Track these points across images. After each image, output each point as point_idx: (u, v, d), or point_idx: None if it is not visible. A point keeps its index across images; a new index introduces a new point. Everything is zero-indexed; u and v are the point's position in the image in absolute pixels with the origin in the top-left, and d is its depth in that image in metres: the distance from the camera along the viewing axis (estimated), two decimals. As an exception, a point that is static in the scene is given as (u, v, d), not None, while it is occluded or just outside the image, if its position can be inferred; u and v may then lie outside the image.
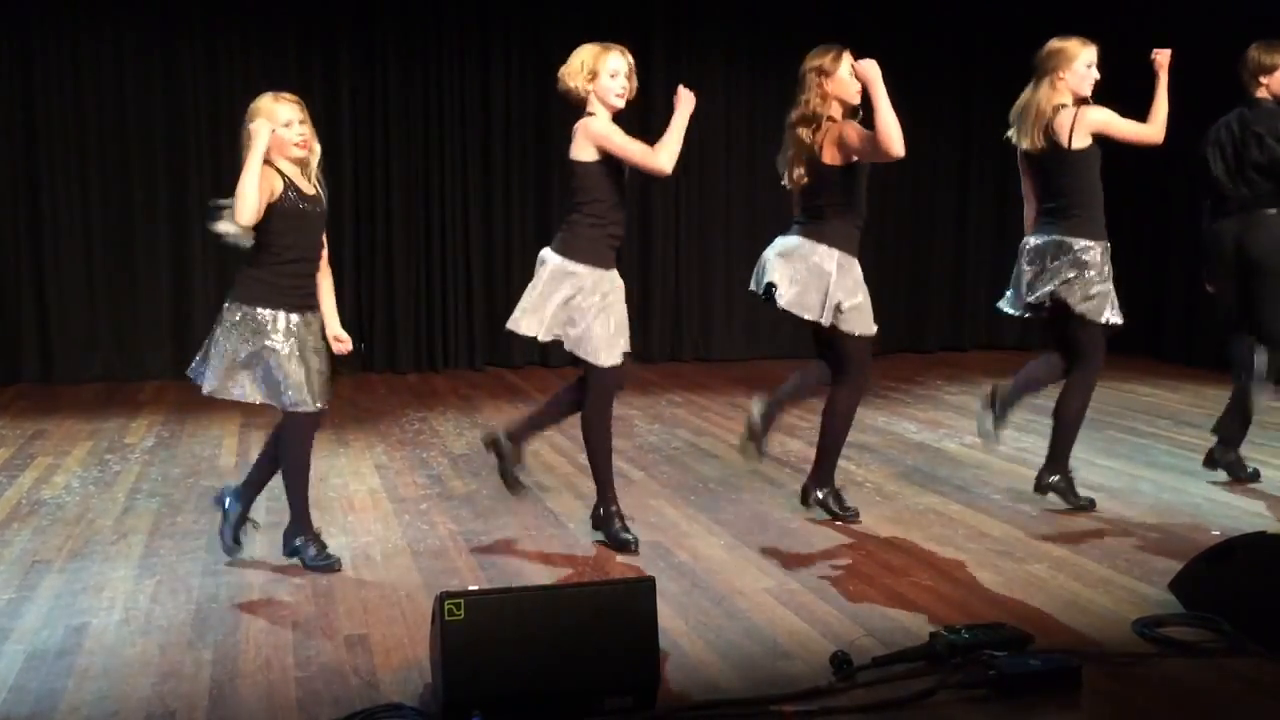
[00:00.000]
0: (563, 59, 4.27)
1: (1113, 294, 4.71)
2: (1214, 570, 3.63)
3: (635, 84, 4.20)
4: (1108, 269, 4.70)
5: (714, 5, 9.30)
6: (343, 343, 4.16)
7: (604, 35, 3.96)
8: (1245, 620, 3.42)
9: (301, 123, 3.97)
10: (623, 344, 4.28)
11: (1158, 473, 5.59)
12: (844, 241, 4.51)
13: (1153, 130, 4.71)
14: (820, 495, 4.78)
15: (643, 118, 9.81)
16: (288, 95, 4.00)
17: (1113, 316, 4.70)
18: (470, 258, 9.04)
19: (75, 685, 3.18)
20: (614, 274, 4.30)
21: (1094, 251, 4.67)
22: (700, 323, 9.57)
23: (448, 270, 8.98)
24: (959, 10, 9.60)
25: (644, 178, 4.48)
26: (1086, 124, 4.63)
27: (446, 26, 8.84)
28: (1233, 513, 4.85)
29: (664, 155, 4.15)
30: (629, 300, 4.38)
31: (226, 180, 8.48)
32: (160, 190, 8.49)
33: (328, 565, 4.13)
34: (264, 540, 4.52)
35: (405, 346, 8.96)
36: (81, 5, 8.27)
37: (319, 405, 4.03)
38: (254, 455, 6.06)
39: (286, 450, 4.10)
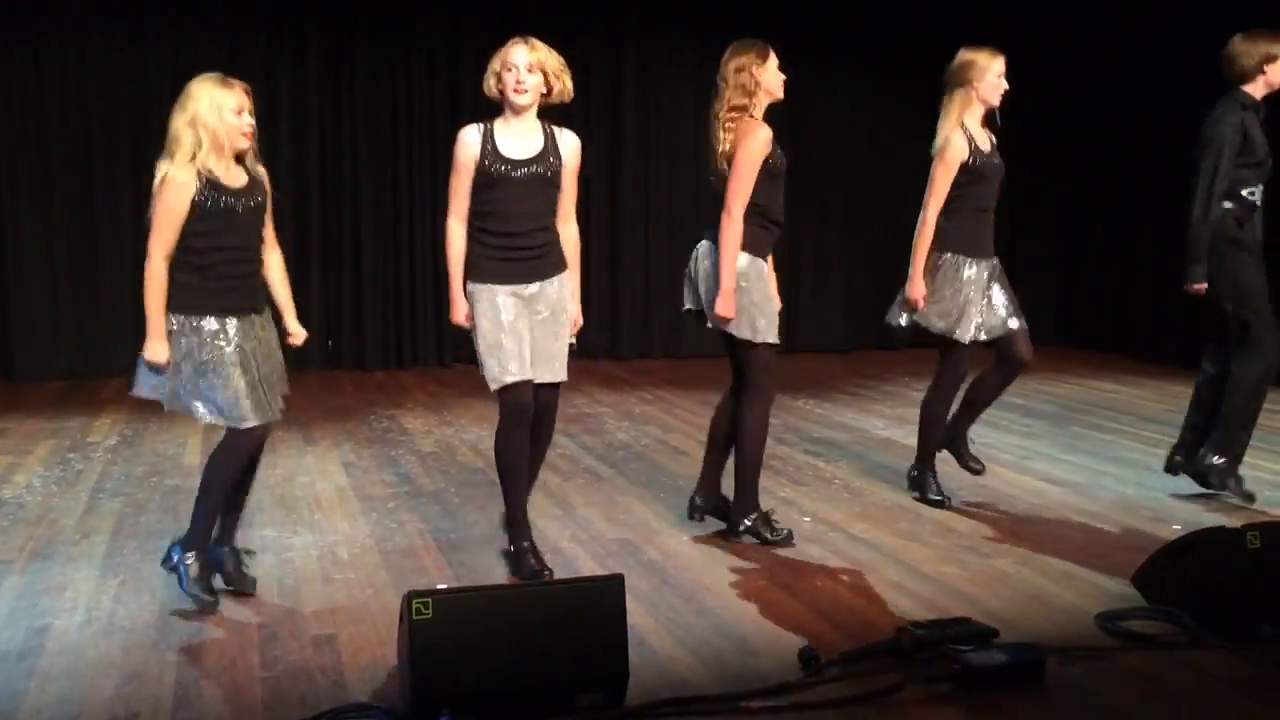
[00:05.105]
0: None
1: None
2: (1175, 565, 3.67)
3: (526, 78, 4.10)
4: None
5: (686, 6, 9.30)
6: (296, 338, 3.91)
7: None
8: (1205, 613, 3.47)
9: (252, 112, 3.67)
10: None
11: (1120, 468, 5.65)
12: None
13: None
14: (748, 523, 4.42)
15: (614, 117, 9.86)
16: (235, 81, 3.65)
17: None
18: (439, 254, 8.97)
19: (37, 687, 3.14)
20: None
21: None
22: (670, 320, 9.56)
23: (416, 267, 8.95)
24: (927, 10, 9.64)
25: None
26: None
27: (416, 23, 8.80)
28: (1193, 508, 4.91)
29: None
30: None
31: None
32: (123, 186, 8.37)
33: (201, 601, 3.68)
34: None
35: (373, 344, 8.92)
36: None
37: (256, 420, 3.64)
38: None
39: (210, 464, 3.73)
